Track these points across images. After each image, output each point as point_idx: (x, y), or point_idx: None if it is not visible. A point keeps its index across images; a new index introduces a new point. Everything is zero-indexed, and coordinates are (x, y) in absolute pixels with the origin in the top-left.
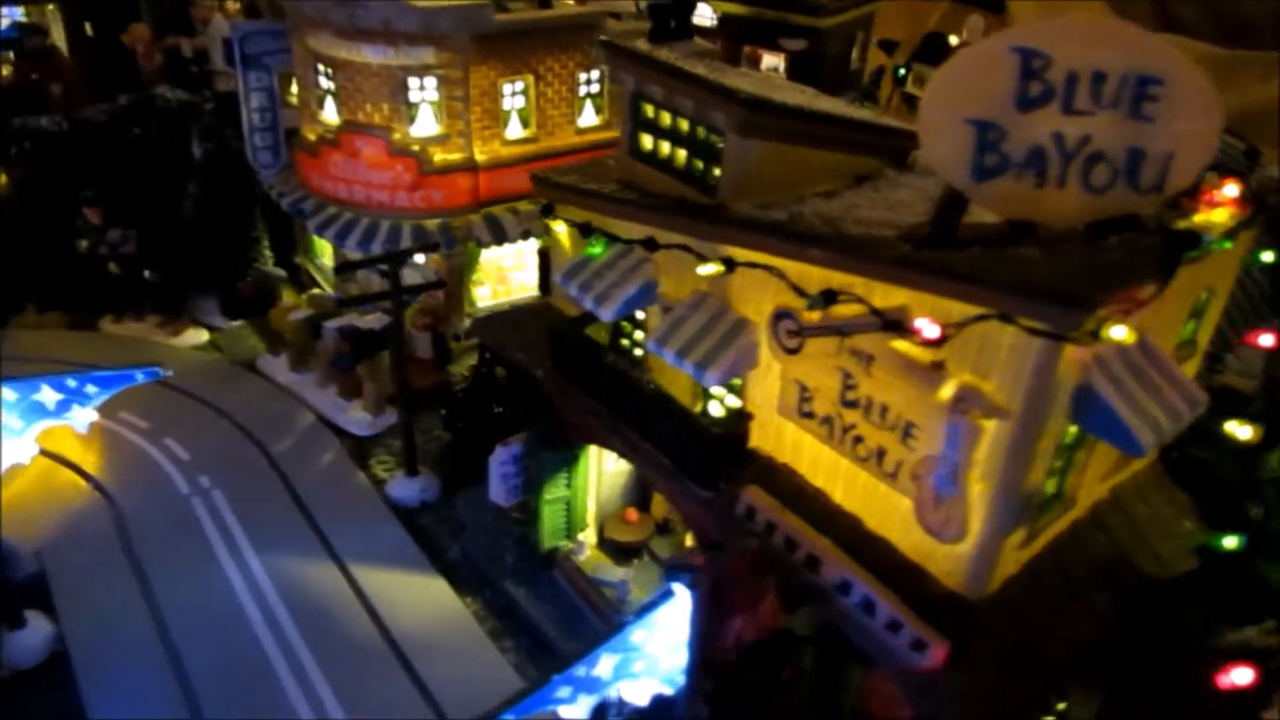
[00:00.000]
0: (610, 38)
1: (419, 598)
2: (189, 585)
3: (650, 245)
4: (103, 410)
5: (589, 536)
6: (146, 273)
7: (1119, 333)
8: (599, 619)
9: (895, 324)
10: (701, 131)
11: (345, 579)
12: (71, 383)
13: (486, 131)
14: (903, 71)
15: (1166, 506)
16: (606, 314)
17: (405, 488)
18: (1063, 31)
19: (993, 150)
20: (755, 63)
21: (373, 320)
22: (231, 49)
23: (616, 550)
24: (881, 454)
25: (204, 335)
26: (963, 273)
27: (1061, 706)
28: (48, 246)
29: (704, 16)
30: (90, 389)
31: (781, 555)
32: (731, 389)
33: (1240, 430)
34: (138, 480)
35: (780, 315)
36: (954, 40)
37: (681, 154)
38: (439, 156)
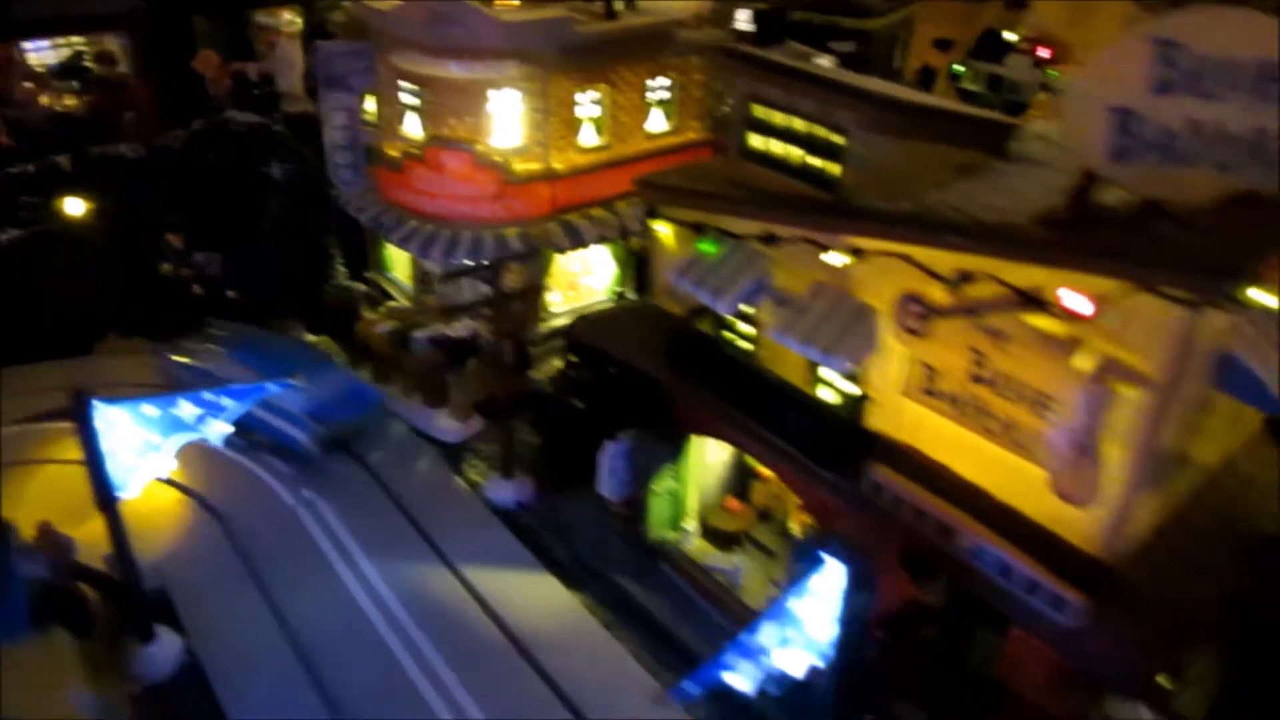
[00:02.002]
0: (685, 43)
1: (533, 595)
2: (310, 593)
3: (770, 240)
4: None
5: (693, 526)
6: (230, 293)
7: (1260, 296)
8: (712, 606)
9: (1036, 301)
10: (821, 130)
11: (459, 580)
12: (208, 396)
13: (563, 141)
14: (960, 69)
15: (1274, 469)
16: (724, 306)
17: (502, 490)
18: (1197, 22)
19: (1129, 134)
20: None
21: (461, 329)
22: (316, 70)
23: (719, 538)
24: (1012, 426)
25: None
26: (1113, 250)
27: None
28: (131, 272)
29: (747, 21)
30: (226, 402)
31: (913, 527)
32: (847, 376)
33: None
34: (243, 495)
35: (906, 300)
36: (1011, 37)
37: (797, 152)
38: (520, 167)
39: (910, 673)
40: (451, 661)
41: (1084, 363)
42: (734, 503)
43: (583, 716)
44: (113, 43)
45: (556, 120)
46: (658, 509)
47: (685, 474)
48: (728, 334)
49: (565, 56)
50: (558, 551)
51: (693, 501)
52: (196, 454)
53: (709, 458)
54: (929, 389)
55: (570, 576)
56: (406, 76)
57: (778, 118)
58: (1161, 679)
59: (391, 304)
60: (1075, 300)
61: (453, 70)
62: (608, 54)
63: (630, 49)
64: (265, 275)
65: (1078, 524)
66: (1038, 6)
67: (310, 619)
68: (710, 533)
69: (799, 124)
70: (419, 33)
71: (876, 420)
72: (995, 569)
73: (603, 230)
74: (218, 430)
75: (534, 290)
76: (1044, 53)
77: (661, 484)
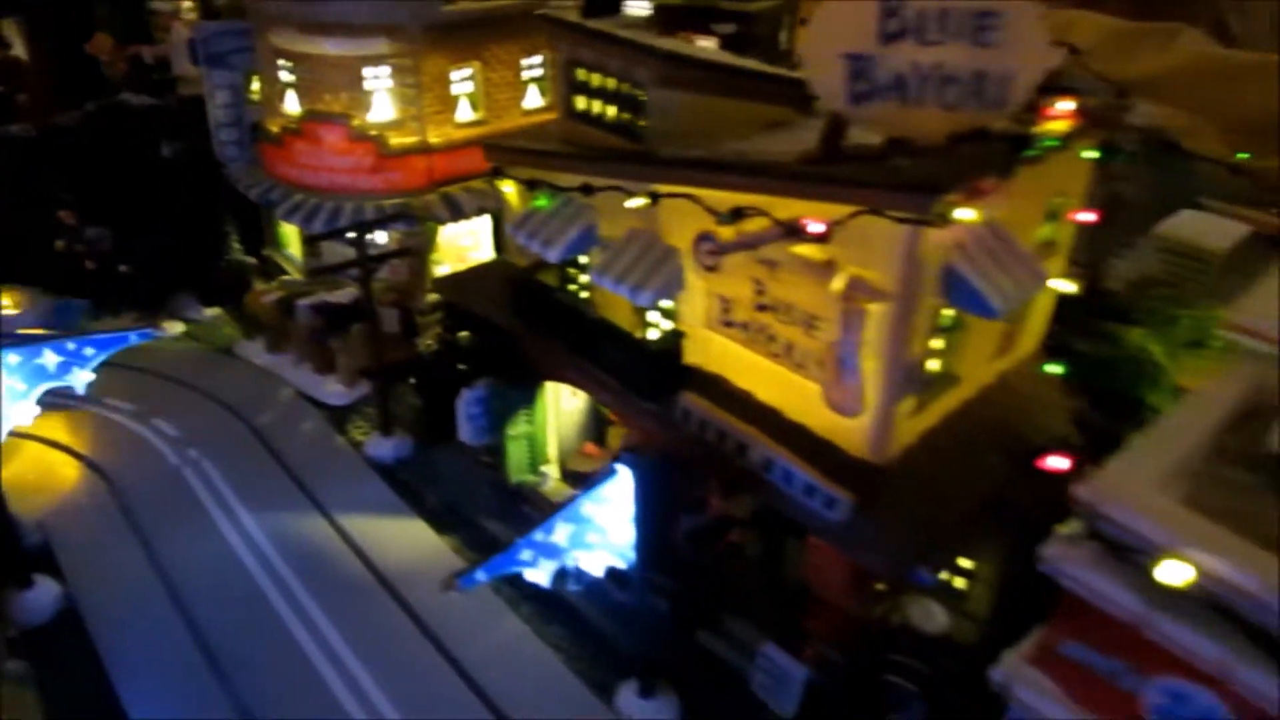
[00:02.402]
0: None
1: (403, 540)
2: (188, 542)
3: (587, 190)
4: (90, 396)
5: (552, 470)
6: (122, 267)
7: (965, 214)
8: None
9: (793, 229)
10: (627, 87)
11: (333, 528)
12: (71, 345)
13: (438, 116)
14: None
15: (1047, 387)
16: (553, 255)
17: (381, 446)
18: None
19: (863, 78)
20: None
21: (343, 296)
22: (195, 49)
23: (578, 481)
24: (791, 347)
25: (180, 327)
26: (836, 177)
27: (969, 565)
28: (26, 249)
29: (641, 7)
30: (89, 351)
31: (716, 447)
32: (666, 315)
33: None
34: (129, 457)
35: (701, 239)
36: None
37: (611, 109)
38: (395, 140)
39: (734, 585)
40: (322, 602)
41: (838, 284)
42: (591, 447)
43: (443, 646)
44: (9, 26)
45: (431, 96)
46: (515, 453)
47: (540, 419)
48: (571, 285)
49: (435, 34)
50: (430, 500)
51: (551, 447)
52: (89, 422)
53: (565, 404)
54: (726, 319)
55: (440, 522)
56: (283, 54)
57: (595, 79)
58: (955, 580)
59: (286, 278)
60: (815, 225)
61: (326, 47)
62: (479, 32)
63: (502, 28)
64: (158, 251)
65: (850, 433)
66: None
67: (189, 568)
68: (569, 475)
69: (611, 83)
70: (292, 10)
71: (691, 354)
72: (782, 478)
73: (482, 202)
74: (81, 379)
75: (417, 260)
76: None
77: (517, 429)
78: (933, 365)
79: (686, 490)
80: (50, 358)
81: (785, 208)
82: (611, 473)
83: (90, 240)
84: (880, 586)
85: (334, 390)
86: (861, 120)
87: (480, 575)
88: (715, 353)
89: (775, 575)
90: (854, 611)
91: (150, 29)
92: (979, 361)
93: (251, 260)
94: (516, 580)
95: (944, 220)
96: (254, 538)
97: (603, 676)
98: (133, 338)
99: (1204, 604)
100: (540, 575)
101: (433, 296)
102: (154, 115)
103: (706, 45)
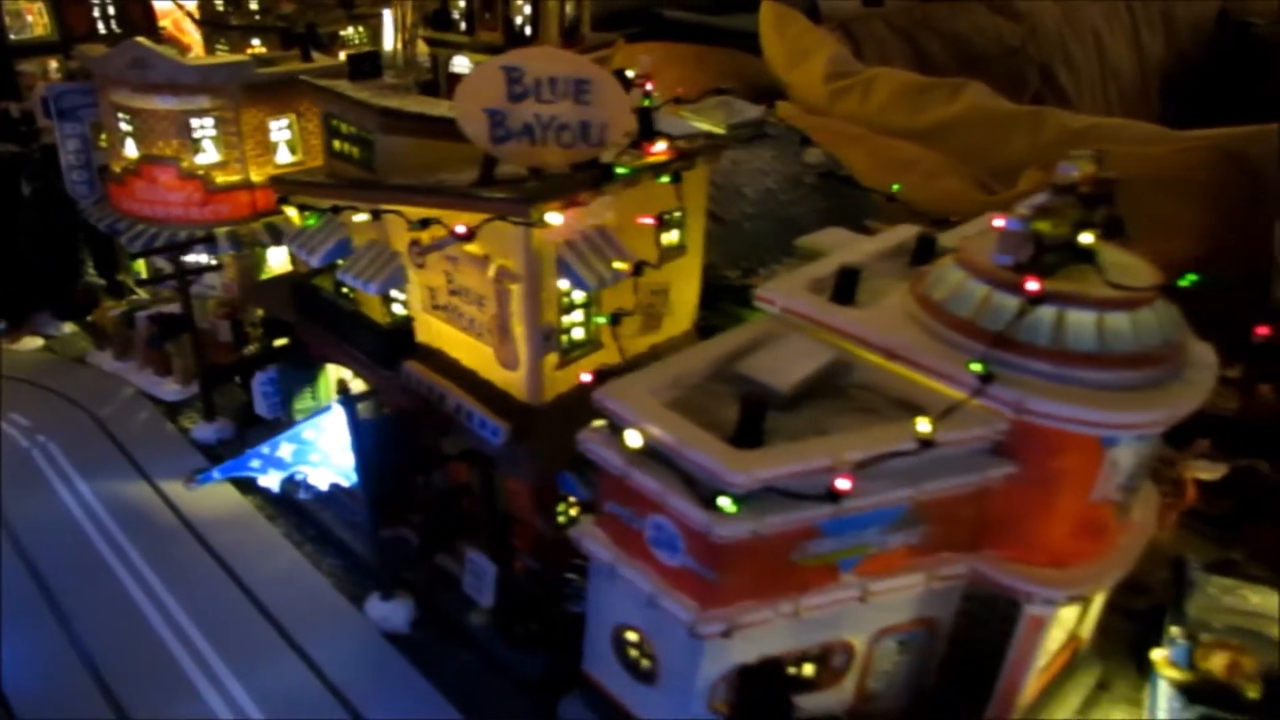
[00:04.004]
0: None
1: (212, 498)
2: (32, 507)
3: (335, 210)
4: None
5: None
6: None
7: (553, 218)
8: (350, 499)
9: (457, 235)
10: (364, 133)
11: (155, 492)
12: None
13: (260, 158)
14: None
15: None
16: (315, 262)
17: (205, 430)
18: (529, 55)
19: (501, 126)
20: None
21: (177, 307)
22: (48, 105)
23: None
24: (473, 321)
25: (39, 341)
26: (474, 195)
27: None
28: None
29: (463, 65)
30: None
31: (429, 400)
32: (401, 304)
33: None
34: None
35: (412, 244)
36: (630, 73)
37: (355, 150)
38: (221, 178)
39: (463, 514)
40: (141, 548)
41: (491, 271)
42: None
43: (237, 576)
44: None
45: (252, 141)
46: None
47: (323, 395)
48: (345, 289)
49: (252, 91)
50: None
51: None
52: None
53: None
54: (434, 304)
55: (247, 486)
56: (121, 108)
57: (344, 127)
58: None
59: (134, 297)
60: (460, 228)
61: (156, 103)
62: (293, 90)
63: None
64: (17, 275)
65: (515, 384)
66: (767, 52)
67: (31, 527)
68: None
69: (353, 130)
70: (125, 74)
71: (420, 333)
72: (468, 418)
73: None
74: None
75: (247, 278)
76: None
77: (303, 404)
78: (578, 334)
79: (414, 435)
80: None
81: (456, 219)
82: (328, 408)
83: None
84: (573, 510)
85: (170, 389)
86: (504, 156)
87: (215, 474)
88: (433, 331)
89: (490, 503)
90: (542, 528)
91: (19, 87)
92: (629, 334)
93: (102, 282)
94: (301, 526)
95: (543, 223)
96: (88, 501)
97: (358, 590)
98: None
99: (656, 459)
100: (270, 481)
101: (260, 311)
102: (16, 160)
103: None
